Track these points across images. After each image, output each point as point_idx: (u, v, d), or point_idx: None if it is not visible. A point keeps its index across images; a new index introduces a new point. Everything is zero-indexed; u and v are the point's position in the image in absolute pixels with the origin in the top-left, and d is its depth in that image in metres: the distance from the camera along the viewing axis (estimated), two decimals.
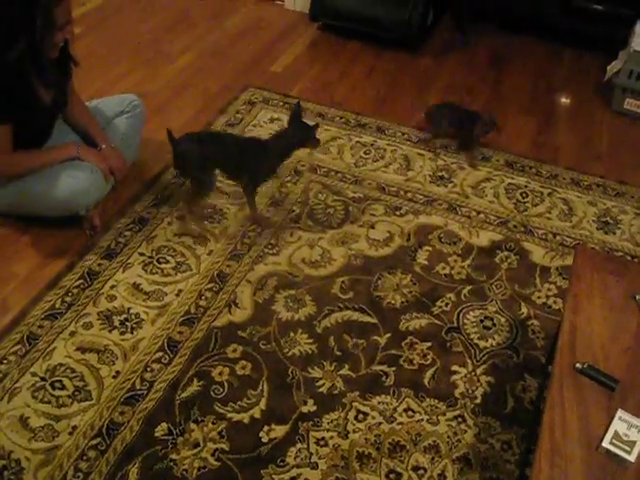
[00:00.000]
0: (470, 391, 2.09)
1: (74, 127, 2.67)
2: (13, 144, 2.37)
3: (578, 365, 1.61)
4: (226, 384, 2.07)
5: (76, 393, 2.04)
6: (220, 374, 2.10)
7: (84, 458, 1.89)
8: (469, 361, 2.17)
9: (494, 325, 2.29)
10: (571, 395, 1.56)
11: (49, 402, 2.01)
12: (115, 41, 3.72)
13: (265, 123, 3.13)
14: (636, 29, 3.36)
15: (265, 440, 1.95)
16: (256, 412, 2.01)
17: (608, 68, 3.42)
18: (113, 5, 4.10)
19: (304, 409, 2.03)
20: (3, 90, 2.26)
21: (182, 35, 3.82)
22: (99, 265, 2.43)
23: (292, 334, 2.23)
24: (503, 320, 2.30)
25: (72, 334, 2.20)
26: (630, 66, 3.26)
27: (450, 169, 2.93)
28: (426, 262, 2.50)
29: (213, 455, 1.91)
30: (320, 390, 2.07)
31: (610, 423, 1.49)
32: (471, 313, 2.32)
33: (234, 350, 2.17)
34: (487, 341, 2.24)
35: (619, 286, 1.82)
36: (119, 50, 3.64)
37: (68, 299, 2.31)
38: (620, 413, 1.51)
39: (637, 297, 1.78)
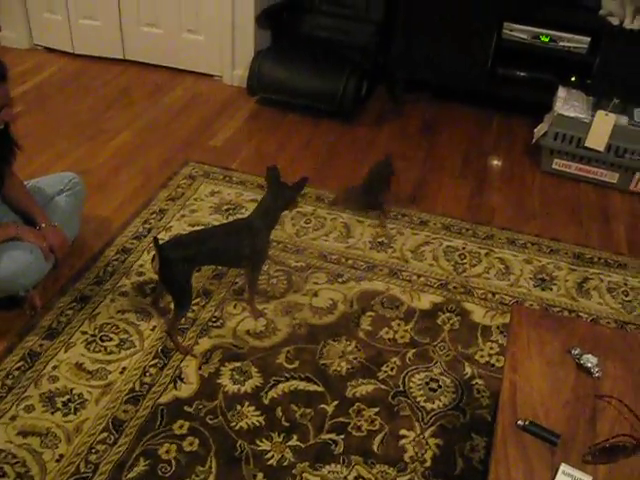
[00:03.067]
0: (419, 454, 2.10)
1: (13, 207, 2.65)
2: None
3: (520, 422, 1.64)
4: (173, 462, 2.04)
5: None
6: (167, 452, 2.06)
7: None
8: (417, 424, 2.18)
9: (440, 387, 2.31)
10: (515, 452, 1.58)
11: None
12: (55, 119, 3.74)
13: (206, 197, 3.16)
14: (559, 94, 3.53)
15: None
16: None
17: (535, 131, 3.57)
18: (53, 83, 4.14)
19: None
20: None
21: (121, 112, 3.86)
22: (40, 346, 2.39)
23: (239, 407, 2.21)
24: (448, 381, 2.33)
25: (13, 418, 2.14)
26: (555, 129, 3.41)
27: (389, 235, 2.99)
28: (370, 328, 2.53)
29: None
30: (269, 463, 2.05)
31: (554, 478, 1.52)
32: (417, 376, 2.35)
33: (181, 426, 2.14)
34: (434, 403, 2.26)
35: (555, 341, 1.88)
36: (59, 128, 3.66)
37: (8, 382, 2.26)
38: (563, 467, 1.54)
39: (572, 351, 1.83)
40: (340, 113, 3.84)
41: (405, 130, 3.87)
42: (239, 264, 2.55)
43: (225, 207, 3.10)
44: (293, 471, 2.03)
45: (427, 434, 2.15)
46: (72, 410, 2.18)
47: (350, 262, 2.83)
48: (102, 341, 2.42)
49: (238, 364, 2.36)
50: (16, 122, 2.51)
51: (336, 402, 2.24)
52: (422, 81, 4.16)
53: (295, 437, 2.12)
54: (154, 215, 3.03)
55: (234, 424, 2.15)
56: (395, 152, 3.59)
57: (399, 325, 2.54)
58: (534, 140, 3.58)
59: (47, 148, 3.44)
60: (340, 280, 2.73)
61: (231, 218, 3.01)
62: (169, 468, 2.02)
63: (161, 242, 2.33)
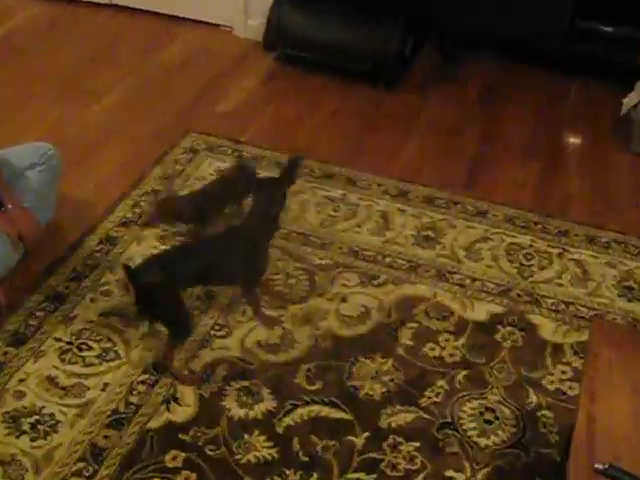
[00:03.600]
0: None
1: None
2: None
3: (598, 465, 1.62)
4: None
5: None
6: None
7: None
8: (467, 464, 2.18)
9: (497, 418, 2.30)
10: None
11: None
12: (27, 76, 3.77)
13: (211, 175, 3.17)
14: None
15: None
16: None
17: (624, 101, 3.53)
18: (25, 31, 4.18)
19: None
20: None
21: (108, 69, 3.88)
22: (4, 354, 2.42)
23: (246, 436, 2.22)
24: (508, 411, 2.32)
25: None
26: None
27: (437, 227, 2.99)
28: (411, 342, 2.52)
29: None
30: None
31: None
32: (468, 404, 2.34)
33: (174, 458, 2.15)
34: (489, 438, 2.25)
35: None
36: (31, 87, 3.69)
37: None
38: None
39: None
40: (378, 75, 3.83)
41: (459, 98, 3.85)
42: (234, 282, 2.58)
43: None
44: None
45: (480, 477, 2.15)
46: (42, 434, 2.20)
47: (388, 260, 2.83)
48: (80, 350, 2.44)
49: (246, 383, 2.36)
50: None
51: (367, 434, 2.24)
52: (482, 37, 4.14)
53: (315, 476, 2.13)
54: (145, 197, 3.04)
55: (240, 457, 2.16)
56: (445, 125, 3.58)
57: (447, 340, 2.54)
58: (622, 113, 3.55)
59: (16, 112, 3.47)
60: (375, 282, 2.73)
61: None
62: None
63: (134, 266, 2.34)
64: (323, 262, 2.81)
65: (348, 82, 3.86)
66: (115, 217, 2.95)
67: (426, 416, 2.30)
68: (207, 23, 4.30)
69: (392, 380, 2.40)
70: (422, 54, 4.15)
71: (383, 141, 3.48)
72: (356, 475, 2.14)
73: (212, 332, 2.52)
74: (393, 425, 2.27)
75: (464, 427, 2.27)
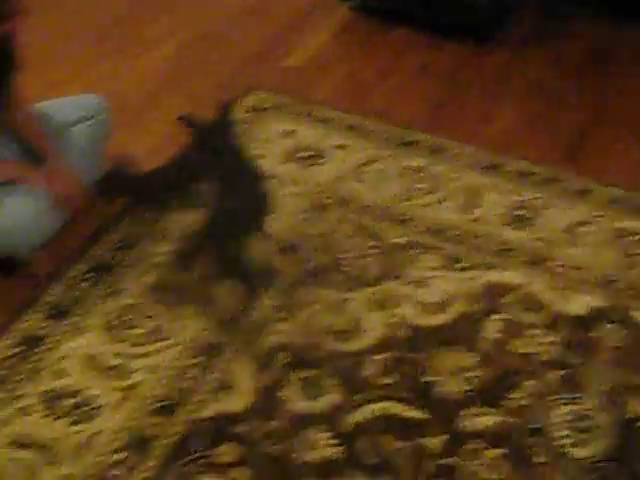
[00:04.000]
0: None
1: (15, 137, 2.75)
2: None
3: None
4: None
5: None
6: None
7: None
8: (557, 476, 2.17)
9: (592, 427, 2.30)
10: None
11: None
12: (73, 23, 3.84)
13: (277, 137, 3.21)
14: None
15: None
16: None
17: None
18: None
19: None
20: None
21: (164, 15, 3.94)
22: (43, 328, 2.49)
23: (308, 432, 2.25)
24: (605, 420, 2.31)
25: (4, 422, 2.24)
26: None
27: (533, 206, 2.98)
28: (498, 336, 2.52)
29: None
30: None
31: None
32: (561, 409, 2.33)
33: (226, 452, 2.19)
34: (582, 449, 2.24)
35: None
36: (78, 35, 3.75)
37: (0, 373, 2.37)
38: None
39: None
40: (471, 30, 3.81)
41: (563, 59, 3.82)
42: None
43: (301, 154, 3.15)
44: None
45: None
46: (82, 418, 2.26)
47: (475, 242, 2.83)
48: (126, 328, 2.50)
49: (310, 373, 2.39)
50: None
51: (444, 436, 2.25)
52: None
53: None
54: None
55: (300, 455, 2.19)
56: (546, 91, 3.55)
57: (539, 335, 2.53)
58: None
59: (62, 62, 3.54)
60: (459, 266, 2.73)
61: (309, 168, 3.06)
62: None
63: None
64: (400, 241, 2.82)
65: (435, 37, 3.85)
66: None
67: (512, 420, 2.29)
68: None
69: (475, 377, 2.40)
70: (522, 7, 4.11)
71: (474, 106, 3.47)
72: None
73: (273, 314, 2.56)
74: (474, 428, 2.27)
75: (554, 435, 2.26)
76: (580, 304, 2.63)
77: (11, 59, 2.59)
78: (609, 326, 2.57)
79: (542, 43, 3.90)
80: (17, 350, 2.42)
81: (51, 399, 2.30)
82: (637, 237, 2.88)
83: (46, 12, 3.83)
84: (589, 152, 3.26)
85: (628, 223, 2.94)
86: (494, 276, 2.71)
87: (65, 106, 2.88)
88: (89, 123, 2.84)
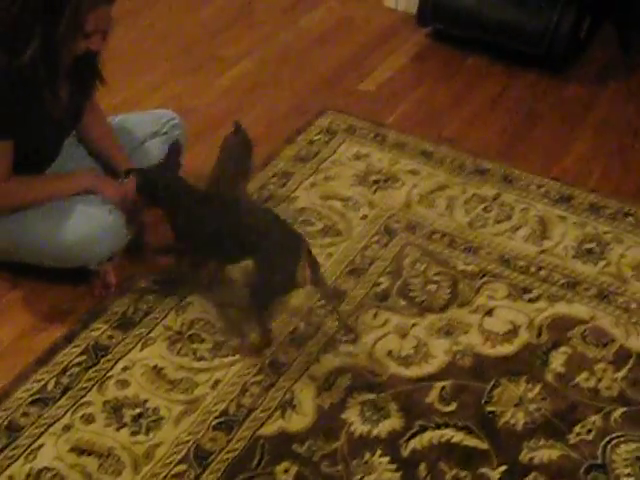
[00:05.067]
0: None
1: (90, 150, 2.80)
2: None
3: None
4: None
5: None
6: None
7: None
8: None
9: None
10: None
11: None
12: (151, 38, 3.89)
13: (349, 160, 3.22)
14: None
15: None
16: None
17: None
18: None
19: None
20: (6, 96, 2.40)
21: (242, 35, 3.97)
22: (110, 338, 2.52)
23: (368, 455, 2.24)
24: None
25: (66, 428, 2.27)
26: None
27: (603, 240, 2.94)
28: (563, 369, 2.50)
29: None
30: None
31: None
32: (623, 446, 2.30)
33: (285, 470, 2.19)
34: None
35: None
36: (157, 50, 3.80)
37: (65, 380, 2.39)
38: None
39: None
40: (547, 60, 3.79)
41: (638, 94, 3.77)
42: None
43: (373, 177, 3.15)
44: None
45: None
46: (143, 429, 2.28)
47: (543, 273, 2.81)
48: (192, 342, 2.52)
49: (372, 396, 2.39)
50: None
51: (504, 467, 2.23)
52: None
53: None
54: (275, 179, 3.11)
55: (359, 478, 2.18)
56: (622, 123, 3.51)
57: (605, 371, 2.50)
58: None
59: (139, 76, 3.59)
60: (526, 297, 2.71)
61: (379, 193, 3.06)
62: None
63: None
64: (468, 268, 2.81)
65: (510, 66, 3.84)
66: None
67: (574, 455, 2.27)
68: None
69: (538, 410, 2.38)
70: (599, 39, 4.08)
71: (547, 137, 3.44)
72: None
73: (338, 336, 2.56)
74: (535, 461, 2.25)
75: (617, 472, 2.23)
76: None
77: (97, 75, 2.64)
78: None
79: (618, 76, 3.87)
80: (83, 358, 2.45)
81: (114, 408, 2.32)
82: None
83: (126, 29, 3.90)
84: None
85: None
86: (561, 308, 2.69)
87: (141, 120, 2.92)
88: (162, 139, 2.88)
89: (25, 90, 2.42)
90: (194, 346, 2.50)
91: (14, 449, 2.21)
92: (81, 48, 2.44)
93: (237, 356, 2.47)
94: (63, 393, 2.36)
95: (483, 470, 2.22)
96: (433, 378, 2.45)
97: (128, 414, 2.31)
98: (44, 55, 2.36)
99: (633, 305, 2.71)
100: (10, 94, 2.40)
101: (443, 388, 2.42)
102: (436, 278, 2.77)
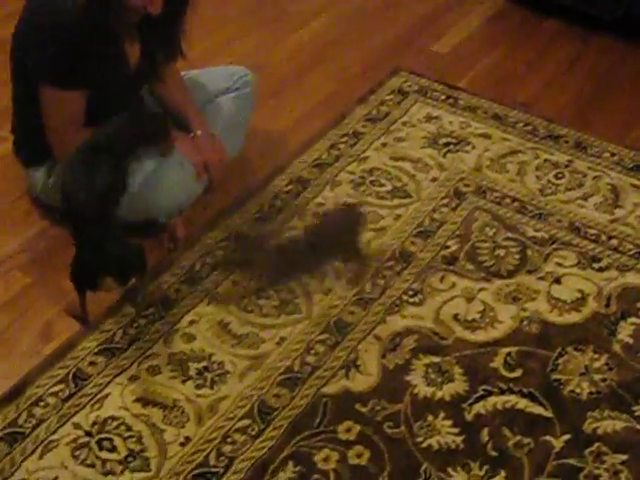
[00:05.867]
0: None
1: (162, 104, 2.82)
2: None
3: None
4: (332, 475, 2.11)
5: (129, 459, 2.13)
6: (325, 460, 2.14)
7: None
8: None
9: None
10: None
11: (93, 465, 2.11)
12: None
13: (420, 122, 3.20)
14: None
15: None
16: None
17: None
18: None
19: None
20: (77, 47, 2.42)
21: None
22: (177, 291, 2.55)
23: (431, 418, 2.24)
24: None
25: (133, 379, 2.31)
26: None
27: None
28: (631, 340, 2.47)
29: None
30: None
31: None
32: None
33: (348, 429, 2.21)
34: None
35: None
36: (228, 6, 3.80)
37: (132, 332, 2.43)
38: None
39: None
40: (624, 24, 3.71)
41: None
42: None
43: (444, 140, 3.13)
44: None
45: None
46: (208, 382, 2.31)
47: (614, 242, 2.77)
48: (258, 298, 2.54)
49: (437, 359, 2.39)
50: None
51: (568, 436, 2.22)
52: None
53: (503, 474, 2.13)
54: (345, 138, 3.11)
55: (421, 440, 2.19)
56: None
57: None
58: None
59: (212, 32, 3.59)
60: (596, 266, 2.68)
61: (450, 156, 3.04)
62: None
63: None
64: (538, 235, 2.78)
65: (590, 30, 3.77)
66: (308, 157, 3.03)
67: (638, 427, 2.25)
68: None
69: (604, 380, 2.36)
70: None
71: (624, 104, 3.38)
72: None
73: (404, 297, 2.56)
74: (599, 431, 2.23)
75: None
76: None
77: (170, 43, 2.68)
78: None
79: None
80: (151, 311, 2.49)
81: (180, 361, 2.36)
82: None
83: None
84: None
85: None
86: (631, 279, 2.65)
87: (213, 76, 2.94)
88: (234, 95, 2.89)
89: (92, 43, 2.44)
90: (260, 302, 2.52)
91: (81, 397, 2.26)
92: (138, 6, 2.45)
93: (303, 314, 2.49)
94: (130, 344, 2.40)
95: (546, 438, 2.21)
96: (499, 344, 2.44)
97: (193, 367, 2.34)
98: (102, 8, 2.38)
99: None
100: (80, 46, 2.42)
101: (509, 354, 2.41)
102: (505, 243, 2.75)
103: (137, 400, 2.26)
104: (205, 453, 2.15)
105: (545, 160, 3.07)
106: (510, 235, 2.78)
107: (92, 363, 2.35)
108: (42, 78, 2.49)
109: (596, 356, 2.42)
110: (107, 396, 2.27)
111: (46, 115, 2.56)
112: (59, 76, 2.46)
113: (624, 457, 2.18)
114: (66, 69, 2.44)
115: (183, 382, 2.30)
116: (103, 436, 2.18)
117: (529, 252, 2.72)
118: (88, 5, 2.37)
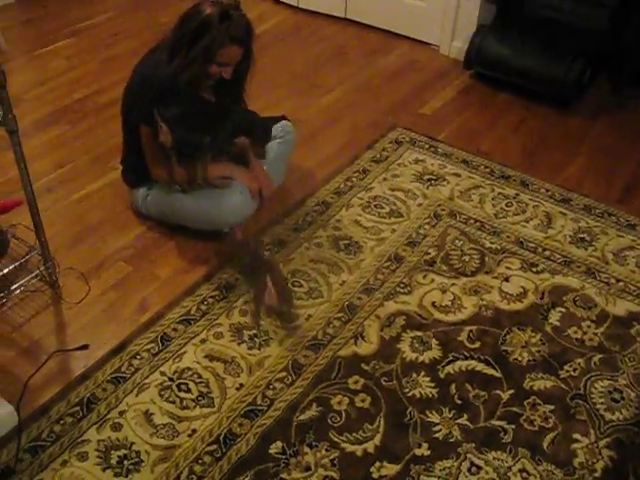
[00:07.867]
0: (590, 462, 2.03)
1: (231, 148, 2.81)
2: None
3: None
4: (344, 414, 2.11)
5: (200, 398, 2.13)
6: (339, 403, 2.14)
7: (199, 462, 1.98)
8: (592, 431, 2.11)
9: (623, 399, 2.21)
10: None
11: (173, 402, 2.12)
12: (273, 68, 3.87)
13: (410, 163, 3.18)
14: None
15: (375, 476, 1.97)
16: (370, 447, 2.04)
17: None
18: (274, 33, 4.27)
19: (418, 452, 2.03)
20: (169, 98, 2.43)
21: (336, 69, 3.93)
22: (236, 279, 2.55)
23: (414, 375, 2.24)
24: (633, 395, 2.22)
25: (203, 341, 2.31)
26: None
27: (592, 232, 2.87)
28: (558, 323, 2.45)
29: None
30: (436, 436, 2.07)
31: None
32: (599, 383, 2.26)
33: (355, 382, 2.20)
34: (614, 414, 2.16)
35: None
36: (276, 77, 3.80)
37: (203, 307, 2.43)
38: None
39: None
40: (557, 99, 3.69)
41: (624, 127, 3.64)
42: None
43: (427, 177, 3.10)
44: (458, 449, 2.04)
45: (601, 444, 2.08)
46: (257, 345, 2.31)
47: (547, 253, 2.74)
48: (293, 285, 2.53)
49: (420, 333, 2.38)
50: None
51: (512, 391, 2.21)
52: None
53: (465, 416, 2.13)
54: (357, 174, 3.09)
55: (407, 390, 2.19)
56: (609, 150, 3.40)
57: (589, 327, 2.45)
58: None
59: (264, 94, 3.57)
60: (534, 269, 2.66)
61: (431, 188, 3.02)
62: (339, 419, 2.10)
63: None
64: (493, 246, 2.76)
65: (530, 101, 3.73)
66: (331, 186, 3.01)
67: (563, 386, 2.24)
68: (419, 41, 4.24)
69: (538, 351, 2.35)
70: (594, 85, 3.95)
71: (554, 154, 3.34)
72: (499, 423, 2.11)
73: (397, 288, 2.55)
74: (534, 388, 2.23)
75: (594, 400, 2.20)
76: (621, 308, 2.53)
77: (237, 98, 2.72)
78: None
79: (611, 112, 3.73)
80: (216, 293, 2.49)
81: (237, 329, 2.36)
82: None
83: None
84: (637, 196, 3.11)
85: None
86: (559, 279, 2.63)
87: None
88: (280, 141, 2.88)
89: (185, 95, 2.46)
90: (295, 289, 2.52)
91: (166, 353, 2.27)
92: (214, 72, 2.45)
93: (325, 298, 2.48)
94: (202, 316, 2.40)
95: (497, 392, 2.21)
96: (464, 323, 2.43)
97: (247, 334, 2.35)
98: (187, 69, 2.40)
99: (612, 280, 2.64)
100: (172, 97, 2.43)
101: (471, 331, 2.40)
102: (469, 252, 2.72)
103: (206, 356, 2.27)
104: (254, 395, 2.16)
105: (499, 193, 3.04)
106: (473, 246, 2.75)
107: (174, 329, 2.35)
108: (142, 121, 2.49)
109: (533, 334, 2.41)
110: (185, 353, 2.28)
111: (145, 148, 2.56)
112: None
113: (552, 407, 2.18)
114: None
115: (239, 344, 2.32)
116: (181, 381, 2.19)
117: (486, 258, 2.70)
118: (181, 72, 2.38)
